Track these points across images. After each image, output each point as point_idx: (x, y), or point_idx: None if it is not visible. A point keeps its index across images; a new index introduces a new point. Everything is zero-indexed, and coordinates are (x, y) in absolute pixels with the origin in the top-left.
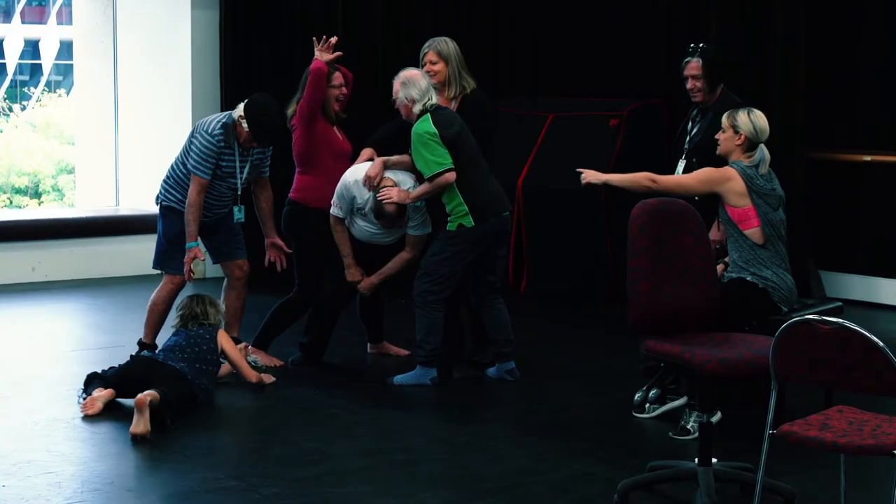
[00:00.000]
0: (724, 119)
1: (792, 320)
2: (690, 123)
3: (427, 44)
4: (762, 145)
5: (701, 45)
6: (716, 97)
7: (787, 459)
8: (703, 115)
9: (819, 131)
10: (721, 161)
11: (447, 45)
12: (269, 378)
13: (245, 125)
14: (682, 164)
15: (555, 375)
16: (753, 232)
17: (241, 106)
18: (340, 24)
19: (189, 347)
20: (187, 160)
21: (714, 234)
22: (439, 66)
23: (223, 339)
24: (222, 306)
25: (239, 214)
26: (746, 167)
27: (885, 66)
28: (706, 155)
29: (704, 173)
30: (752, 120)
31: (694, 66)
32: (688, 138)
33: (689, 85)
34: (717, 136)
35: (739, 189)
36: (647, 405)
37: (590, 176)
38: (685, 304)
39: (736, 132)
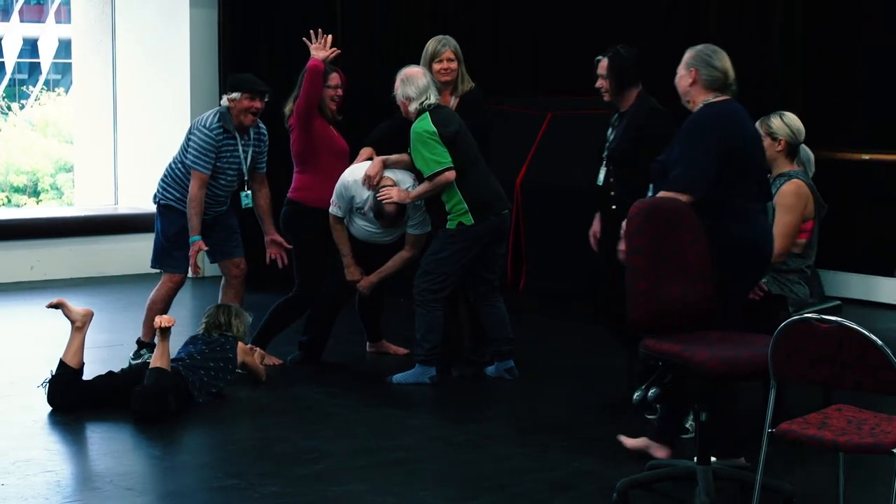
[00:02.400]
0: (758, 127)
1: (790, 319)
2: (610, 129)
3: (439, 42)
4: (804, 146)
5: (618, 46)
6: (630, 101)
7: (786, 458)
8: (621, 120)
9: (818, 130)
10: (636, 167)
11: (456, 43)
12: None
13: (235, 95)
14: (602, 171)
15: (554, 374)
16: (799, 243)
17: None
18: (339, 23)
19: (200, 354)
20: (185, 157)
21: (596, 227)
22: (455, 65)
23: (243, 353)
24: (248, 318)
25: (247, 200)
26: (804, 178)
27: (884, 65)
28: (621, 162)
29: (791, 200)
30: (787, 123)
31: (602, 65)
32: (606, 144)
33: (598, 83)
34: None
35: (812, 206)
36: (657, 405)
37: None
38: (683, 303)
39: (774, 139)
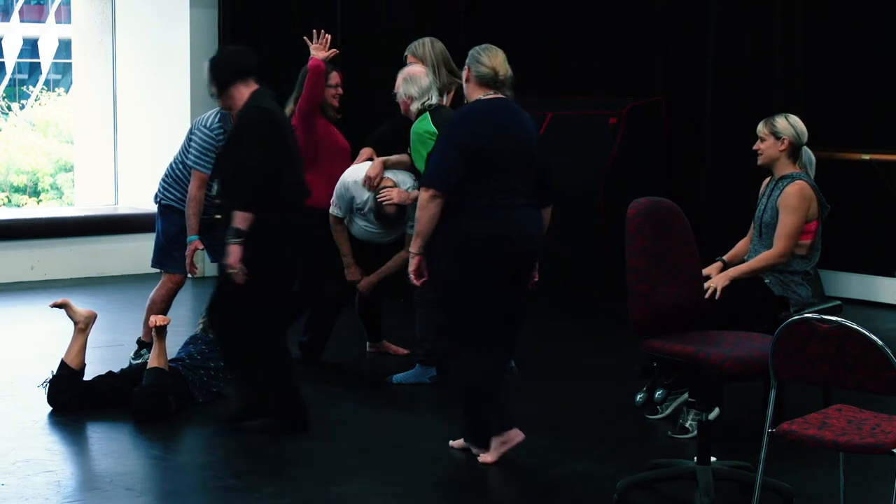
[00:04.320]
0: (762, 127)
1: (791, 319)
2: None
3: (407, 48)
4: (806, 147)
5: (219, 48)
6: (241, 101)
7: (786, 458)
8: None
9: (818, 130)
10: None
11: (423, 46)
12: None
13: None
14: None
15: (554, 374)
16: (802, 245)
17: None
18: (339, 23)
19: (200, 354)
20: (186, 157)
21: None
22: (419, 68)
23: None
24: None
25: None
26: (807, 179)
27: (884, 65)
28: (218, 165)
29: (794, 201)
30: (792, 124)
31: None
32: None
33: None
34: (755, 147)
35: (815, 207)
36: (660, 406)
37: (715, 281)
38: (677, 303)
39: (777, 138)
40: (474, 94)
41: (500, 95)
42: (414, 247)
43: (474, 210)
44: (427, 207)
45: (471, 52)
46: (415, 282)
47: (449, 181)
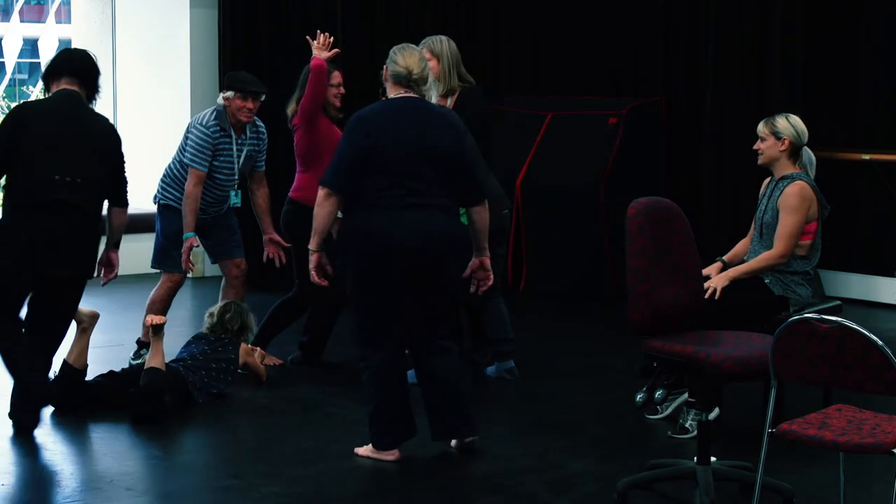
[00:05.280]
0: (762, 127)
1: (791, 319)
2: None
3: (422, 41)
4: (806, 148)
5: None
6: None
7: (786, 458)
8: None
9: (818, 130)
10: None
11: (441, 43)
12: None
13: (229, 94)
14: None
15: (554, 374)
16: (802, 245)
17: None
18: (340, 23)
19: (202, 354)
20: (184, 156)
21: None
22: (432, 63)
23: (245, 354)
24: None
25: (235, 199)
26: (807, 179)
27: (884, 64)
28: None
29: (795, 202)
30: (793, 124)
31: None
32: None
33: None
34: (755, 147)
35: (815, 207)
36: (660, 406)
37: (715, 282)
38: (676, 303)
39: (778, 138)
40: (391, 91)
41: (411, 94)
42: (312, 244)
43: (367, 209)
44: (322, 205)
45: (390, 52)
46: (316, 279)
47: (343, 179)
